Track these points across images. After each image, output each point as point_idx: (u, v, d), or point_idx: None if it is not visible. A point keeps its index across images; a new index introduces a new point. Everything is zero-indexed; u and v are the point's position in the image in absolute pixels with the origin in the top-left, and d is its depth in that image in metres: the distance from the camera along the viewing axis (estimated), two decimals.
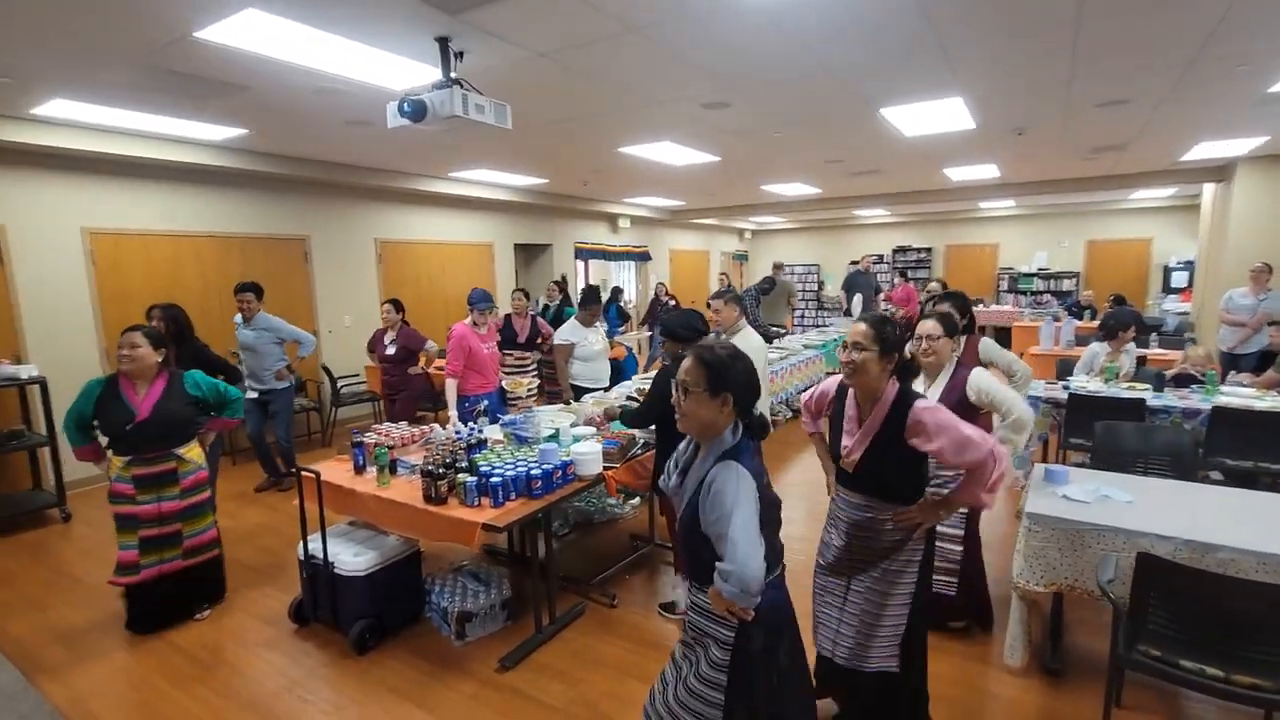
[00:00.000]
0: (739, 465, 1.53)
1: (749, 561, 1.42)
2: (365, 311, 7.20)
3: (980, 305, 12.77)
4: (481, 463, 2.92)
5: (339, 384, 6.57)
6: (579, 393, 4.64)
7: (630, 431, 3.51)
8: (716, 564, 1.47)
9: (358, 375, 6.98)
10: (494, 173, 7.37)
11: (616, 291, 9.51)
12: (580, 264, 10.89)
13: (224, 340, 5.38)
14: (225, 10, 2.82)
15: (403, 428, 3.49)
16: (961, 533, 2.81)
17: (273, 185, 6.35)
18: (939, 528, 2.60)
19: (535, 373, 5.17)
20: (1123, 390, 4.60)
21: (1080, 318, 9.77)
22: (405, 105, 3.02)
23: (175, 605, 3.12)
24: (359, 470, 3.15)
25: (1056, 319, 8.61)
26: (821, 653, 2.18)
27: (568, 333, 4.70)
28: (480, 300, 4.39)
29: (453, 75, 3.18)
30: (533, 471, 2.77)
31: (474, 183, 7.76)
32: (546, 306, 7.32)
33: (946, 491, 2.25)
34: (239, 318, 4.92)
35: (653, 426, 3.15)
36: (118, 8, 2.77)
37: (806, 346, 7.56)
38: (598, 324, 4.94)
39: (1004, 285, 13.12)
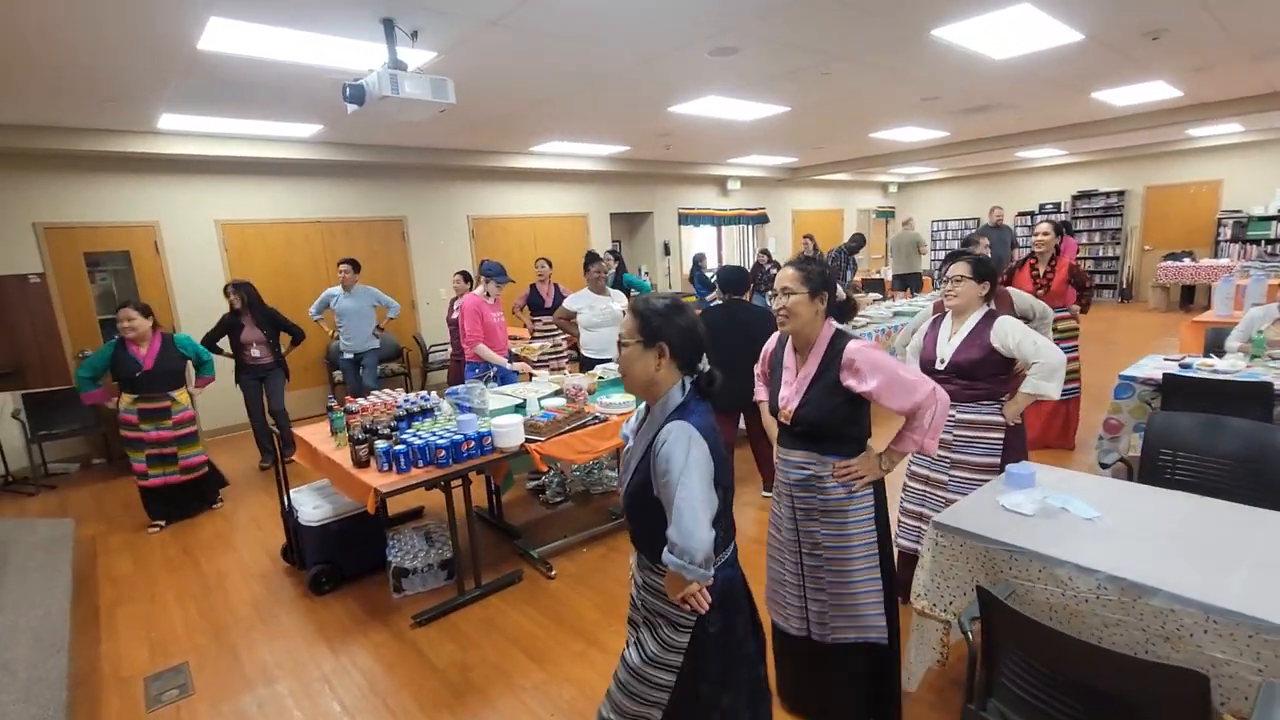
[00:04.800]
0: (690, 425, 1.43)
1: (695, 529, 1.32)
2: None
3: (1188, 260, 10.32)
4: (415, 431, 3.07)
5: (428, 352, 7.23)
6: (587, 363, 4.62)
7: (580, 405, 3.46)
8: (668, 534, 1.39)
9: (446, 344, 7.60)
10: (571, 144, 7.46)
11: (699, 258, 9.17)
12: (691, 229, 10.69)
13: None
14: (198, 23, 3.18)
15: (385, 395, 3.76)
16: (996, 460, 2.48)
17: (369, 172, 7.06)
18: (953, 469, 2.52)
19: (560, 337, 5.24)
20: (1260, 372, 3.49)
21: None
22: (347, 90, 3.19)
23: (180, 507, 4.21)
24: (334, 433, 3.47)
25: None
26: (790, 632, 2.11)
27: (572, 300, 4.69)
28: (496, 273, 4.55)
29: (398, 56, 3.29)
30: (438, 442, 2.85)
31: (557, 155, 7.93)
32: None
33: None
34: (339, 289, 5.66)
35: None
36: (127, 32, 3.26)
37: (898, 313, 6.65)
38: (615, 291, 4.85)
39: (1225, 234, 10.40)
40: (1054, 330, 4.32)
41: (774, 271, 9.22)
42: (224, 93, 4.37)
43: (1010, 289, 3.10)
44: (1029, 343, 2.41)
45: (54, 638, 2.73)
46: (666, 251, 10.12)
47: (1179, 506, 2.07)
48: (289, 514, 3.36)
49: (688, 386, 1.51)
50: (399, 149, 6.80)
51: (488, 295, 4.56)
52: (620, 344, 1.53)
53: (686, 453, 1.38)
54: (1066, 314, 4.33)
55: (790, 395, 1.98)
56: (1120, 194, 11.40)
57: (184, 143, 5.55)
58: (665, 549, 1.36)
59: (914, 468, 2.63)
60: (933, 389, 1.84)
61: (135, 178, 5.76)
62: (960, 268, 2.52)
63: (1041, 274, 4.29)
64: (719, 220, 10.85)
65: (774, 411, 2.07)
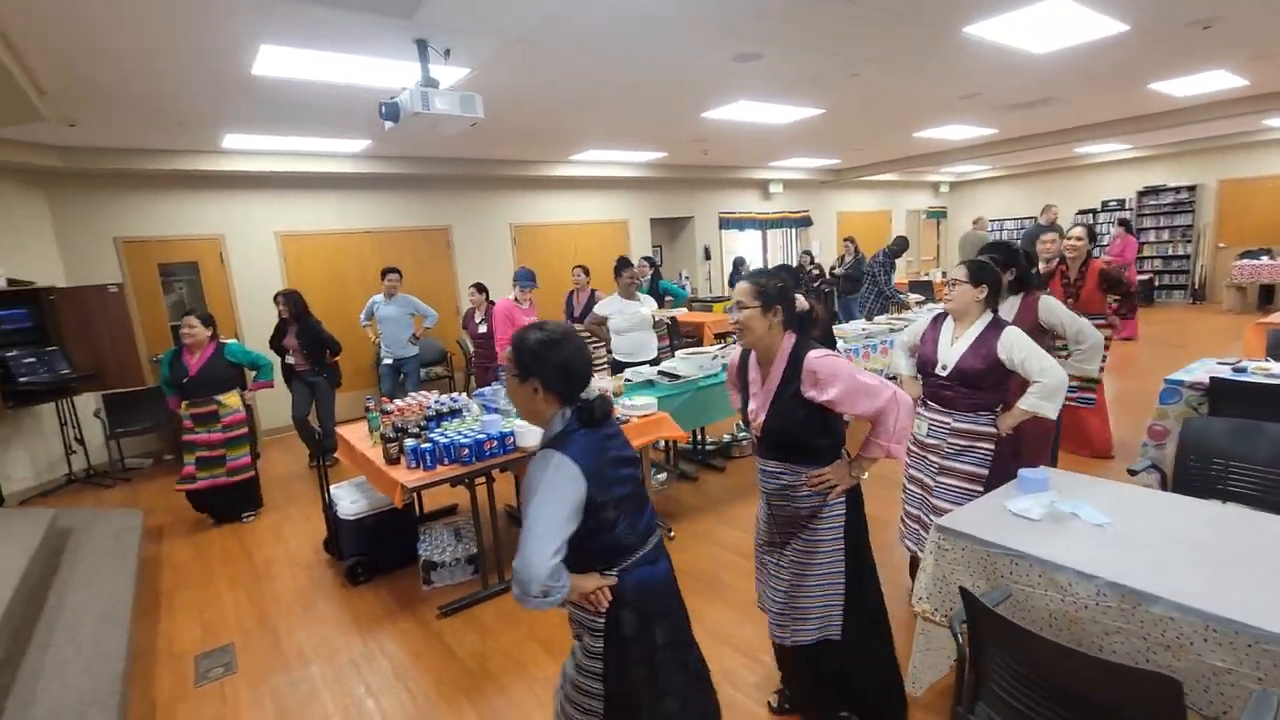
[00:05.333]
0: (558, 454, 1.45)
1: (532, 559, 1.36)
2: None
3: (1266, 258, 9.66)
4: (443, 430, 3.22)
5: (471, 356, 7.46)
6: (617, 366, 4.71)
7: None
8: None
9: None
10: (609, 152, 7.59)
11: (738, 262, 9.15)
12: (735, 233, 10.69)
13: None
14: (251, 50, 3.44)
15: (419, 396, 3.94)
16: (985, 472, 2.44)
17: (416, 183, 7.36)
18: (940, 474, 2.50)
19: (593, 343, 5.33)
20: None
21: None
22: (383, 108, 3.37)
23: (224, 510, 4.39)
24: (371, 432, 3.67)
25: None
26: (770, 635, 2.15)
27: (603, 305, 4.78)
28: (524, 279, 4.70)
29: (431, 74, 3.46)
30: (462, 440, 2.99)
31: (596, 163, 8.07)
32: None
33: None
34: (380, 297, 5.84)
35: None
36: (191, 62, 3.55)
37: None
38: (645, 296, 4.91)
39: None
40: None
41: (815, 274, 9.13)
42: (278, 113, 4.68)
43: (1044, 298, 2.96)
44: (1034, 360, 2.34)
45: (117, 617, 2.99)
46: (707, 256, 10.14)
47: (1197, 514, 2.00)
48: (328, 508, 3.57)
49: (568, 416, 1.52)
50: (444, 160, 7.08)
51: (517, 300, 4.72)
52: (502, 375, 1.58)
53: (540, 483, 1.42)
54: (1102, 321, 4.16)
55: (758, 408, 1.98)
56: (1191, 189, 10.77)
57: (246, 160, 5.95)
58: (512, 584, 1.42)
59: (911, 471, 2.61)
60: (893, 393, 1.82)
61: (203, 193, 6.19)
62: (958, 271, 2.47)
63: (1072, 280, 4.12)
64: (761, 224, 10.79)
65: (746, 424, 2.07)
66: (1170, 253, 11.06)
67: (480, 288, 5.69)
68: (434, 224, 7.60)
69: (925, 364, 2.58)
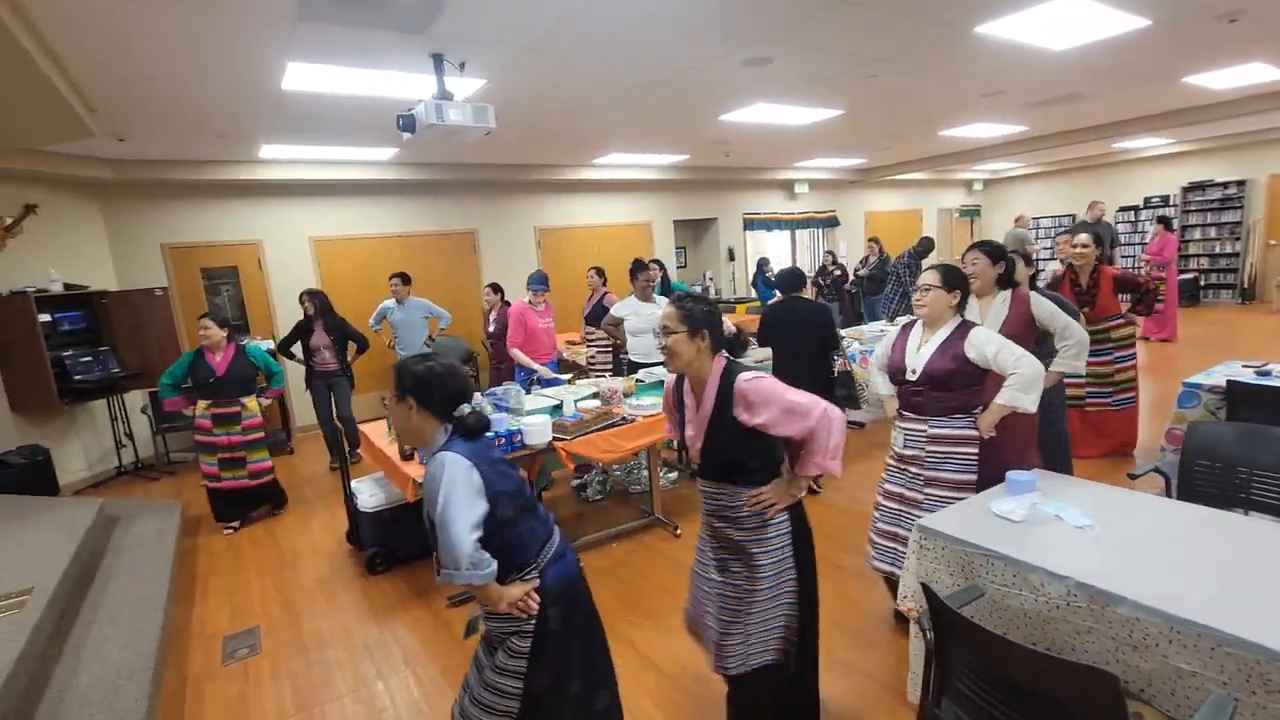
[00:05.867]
0: (444, 454, 1.57)
1: (453, 538, 1.48)
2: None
3: None
4: None
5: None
6: (632, 367, 4.79)
7: (611, 407, 3.65)
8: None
9: None
10: (631, 155, 7.68)
11: (762, 263, 9.14)
12: (763, 234, 10.67)
13: None
14: (279, 67, 3.64)
15: None
16: (973, 478, 2.40)
17: (443, 189, 7.57)
18: (927, 486, 2.46)
19: (597, 346, 5.41)
20: None
21: None
22: (400, 120, 3.53)
23: (247, 510, 4.48)
24: (389, 429, 3.83)
25: None
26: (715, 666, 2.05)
27: (618, 307, 4.87)
28: (537, 283, 4.83)
29: (446, 87, 3.61)
30: None
31: (619, 166, 8.18)
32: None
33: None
34: (392, 302, 5.95)
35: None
36: (227, 79, 3.77)
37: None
38: (661, 299, 4.98)
39: None
40: (1110, 339, 4.08)
41: (837, 274, 9.07)
42: (308, 124, 4.90)
43: (1034, 294, 2.93)
44: (1008, 353, 2.30)
45: (155, 599, 3.21)
46: (731, 257, 10.15)
47: (1185, 518, 2.00)
48: (349, 501, 3.75)
49: (449, 430, 1.64)
50: (469, 166, 7.28)
51: (531, 303, 4.85)
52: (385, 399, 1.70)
53: (439, 481, 1.53)
54: (1121, 320, 4.08)
55: (695, 435, 1.95)
56: (1240, 184, 10.33)
57: (281, 169, 6.23)
58: (441, 569, 1.52)
59: (888, 486, 2.57)
60: (824, 409, 1.79)
61: (242, 201, 6.50)
62: (930, 276, 2.43)
63: (1085, 288, 4.05)
64: (787, 225, 10.75)
65: (684, 448, 2.05)
66: (1218, 250, 10.64)
67: (495, 288, 5.83)
68: (461, 228, 7.81)
69: (895, 371, 2.56)
